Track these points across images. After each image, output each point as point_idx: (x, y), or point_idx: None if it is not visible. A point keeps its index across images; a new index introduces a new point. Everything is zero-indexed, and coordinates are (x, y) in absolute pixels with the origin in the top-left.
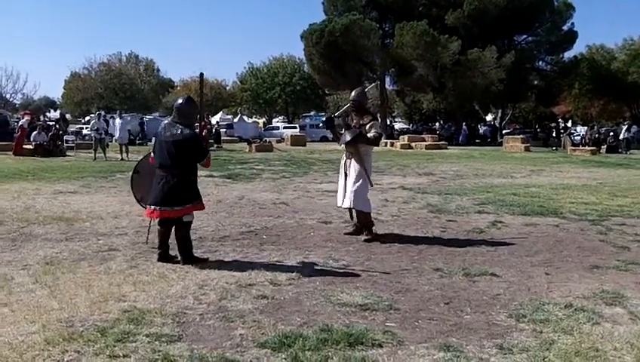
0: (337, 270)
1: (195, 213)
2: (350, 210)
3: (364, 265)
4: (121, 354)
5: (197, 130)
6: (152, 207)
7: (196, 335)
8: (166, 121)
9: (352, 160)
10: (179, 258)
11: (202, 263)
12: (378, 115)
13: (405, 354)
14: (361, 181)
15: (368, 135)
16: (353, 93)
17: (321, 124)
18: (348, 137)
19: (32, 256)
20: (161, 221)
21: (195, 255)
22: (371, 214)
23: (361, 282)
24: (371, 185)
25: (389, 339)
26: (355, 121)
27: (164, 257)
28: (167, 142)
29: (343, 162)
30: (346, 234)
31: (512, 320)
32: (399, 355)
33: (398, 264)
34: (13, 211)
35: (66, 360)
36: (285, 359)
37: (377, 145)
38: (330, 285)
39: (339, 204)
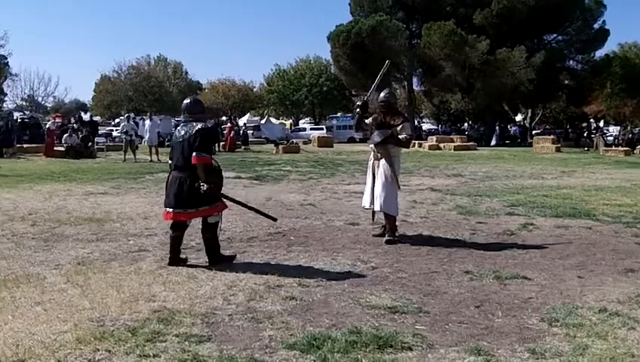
0: (366, 272)
1: (224, 213)
2: (373, 212)
3: (393, 267)
4: (151, 354)
5: (210, 125)
6: (167, 209)
7: (225, 336)
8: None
9: (381, 161)
10: (189, 261)
11: (229, 262)
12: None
13: (435, 357)
14: (390, 184)
15: (399, 136)
16: (382, 94)
17: (356, 108)
18: (378, 138)
19: (64, 256)
20: (173, 224)
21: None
22: (398, 217)
23: (390, 284)
24: (399, 188)
25: (419, 342)
26: (385, 122)
27: (175, 261)
28: (180, 142)
29: (370, 163)
30: (374, 236)
31: (544, 324)
32: (429, 359)
33: (428, 266)
34: (45, 212)
35: (97, 358)
36: (314, 361)
37: (408, 147)
38: (359, 287)
39: (364, 205)
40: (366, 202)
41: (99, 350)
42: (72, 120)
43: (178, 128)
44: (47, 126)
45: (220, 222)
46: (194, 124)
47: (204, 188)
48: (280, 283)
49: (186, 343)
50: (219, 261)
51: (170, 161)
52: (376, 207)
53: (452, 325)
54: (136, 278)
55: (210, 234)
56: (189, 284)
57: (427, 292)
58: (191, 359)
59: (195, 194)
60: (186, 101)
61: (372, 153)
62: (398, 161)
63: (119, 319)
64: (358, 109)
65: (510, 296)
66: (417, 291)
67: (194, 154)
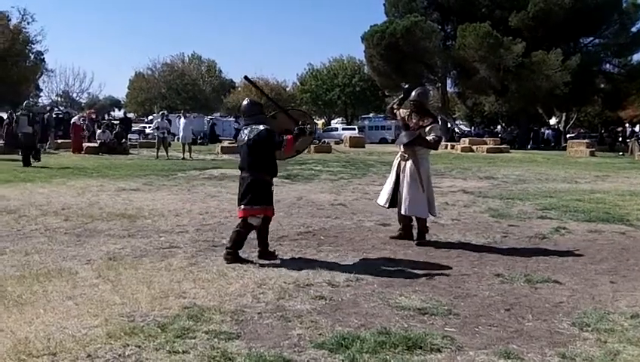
0: (396, 273)
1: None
2: (400, 214)
3: (423, 269)
4: (180, 350)
5: (269, 127)
6: (239, 206)
7: (254, 334)
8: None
9: (407, 163)
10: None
11: (272, 258)
12: (439, 117)
13: (464, 359)
14: (416, 186)
15: (427, 138)
16: (414, 93)
17: (404, 86)
18: (405, 139)
19: (96, 251)
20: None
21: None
22: (429, 219)
23: (420, 286)
24: (423, 191)
25: (448, 344)
26: (414, 122)
27: (234, 258)
28: (243, 145)
29: (396, 163)
30: (391, 237)
31: (575, 329)
32: (458, 361)
33: (458, 268)
34: (78, 207)
35: (127, 354)
36: (343, 360)
37: (436, 148)
38: (389, 288)
39: (379, 202)
40: (382, 200)
41: (129, 345)
42: (106, 116)
43: (241, 131)
44: (73, 121)
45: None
46: (253, 127)
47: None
48: (309, 282)
49: (215, 340)
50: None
51: None
52: (402, 211)
53: (482, 328)
54: (167, 274)
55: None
56: (219, 282)
57: (457, 295)
58: (220, 356)
59: (251, 192)
60: (244, 103)
61: (399, 153)
62: (425, 163)
63: (149, 315)
64: (405, 91)
65: (541, 299)
66: (447, 293)
67: (280, 149)
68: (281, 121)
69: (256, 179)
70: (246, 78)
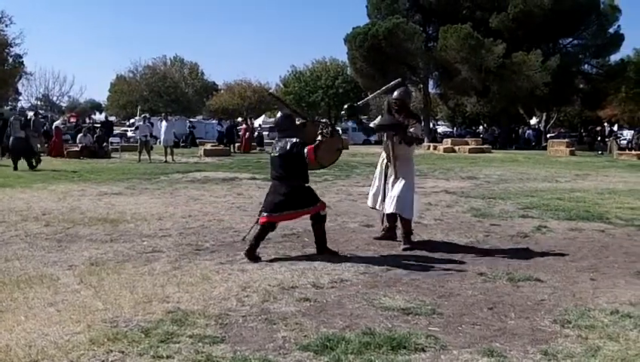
0: (380, 273)
1: (239, 215)
2: (383, 214)
3: (407, 269)
4: (164, 355)
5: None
6: (263, 214)
7: (239, 337)
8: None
9: (396, 166)
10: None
11: (334, 256)
12: (422, 117)
13: (448, 358)
14: (404, 184)
15: (409, 132)
16: (396, 93)
17: (342, 113)
18: (383, 122)
19: (78, 256)
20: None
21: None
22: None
23: (404, 286)
24: (411, 190)
25: (432, 344)
26: (400, 120)
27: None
28: (275, 157)
29: (380, 162)
30: (375, 238)
31: (556, 326)
32: (442, 360)
33: (441, 268)
34: (59, 212)
35: (110, 360)
36: None
37: (410, 144)
38: (373, 288)
39: (369, 204)
40: (371, 201)
41: (112, 351)
42: (88, 120)
43: (274, 142)
44: (55, 125)
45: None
46: (287, 140)
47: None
48: (294, 284)
49: (200, 344)
50: (324, 251)
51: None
52: (388, 209)
53: (465, 326)
54: (150, 279)
55: (319, 226)
56: (202, 285)
57: (441, 294)
58: (204, 360)
59: (292, 198)
60: (277, 116)
61: (383, 153)
62: (409, 163)
63: (133, 320)
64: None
65: (523, 297)
66: (431, 293)
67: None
68: (309, 130)
69: (297, 185)
70: (270, 94)
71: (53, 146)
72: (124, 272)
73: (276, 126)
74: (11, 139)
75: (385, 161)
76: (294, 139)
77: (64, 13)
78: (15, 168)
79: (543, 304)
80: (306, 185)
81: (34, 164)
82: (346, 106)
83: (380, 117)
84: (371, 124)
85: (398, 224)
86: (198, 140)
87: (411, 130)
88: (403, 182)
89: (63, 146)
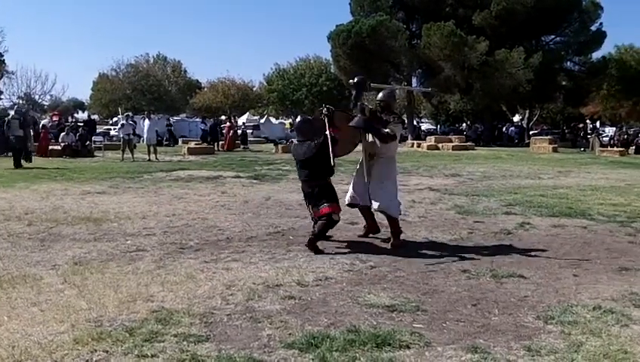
0: (364, 271)
1: (224, 213)
2: (365, 210)
3: (391, 266)
4: (149, 354)
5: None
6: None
7: (224, 336)
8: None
9: (378, 160)
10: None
11: (316, 251)
12: (404, 116)
13: (433, 355)
14: (388, 182)
15: (382, 130)
16: (381, 94)
17: (351, 82)
18: (360, 121)
19: (61, 256)
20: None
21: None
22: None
23: (388, 283)
24: (395, 189)
25: (417, 340)
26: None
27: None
28: (300, 161)
29: (362, 161)
30: (359, 236)
31: (540, 322)
32: (427, 357)
33: (425, 265)
34: (42, 211)
35: (94, 359)
36: (313, 360)
37: (386, 142)
38: (357, 286)
39: (348, 202)
40: (349, 198)
41: (96, 351)
42: (70, 119)
43: (295, 146)
44: (42, 124)
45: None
46: (308, 143)
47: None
48: (279, 282)
49: (185, 343)
50: (312, 247)
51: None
52: (374, 206)
53: (449, 323)
54: (134, 278)
55: (324, 223)
56: (187, 284)
57: (425, 291)
58: (189, 359)
59: (319, 196)
60: (297, 121)
61: (364, 151)
62: (391, 164)
63: (117, 319)
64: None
65: (507, 294)
66: (415, 290)
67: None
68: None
69: (324, 184)
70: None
71: (41, 145)
72: (107, 271)
73: (297, 130)
74: (10, 137)
75: (368, 160)
76: (314, 143)
77: (45, 11)
78: (16, 166)
79: (527, 300)
80: (329, 181)
81: (25, 162)
82: (356, 79)
83: (360, 117)
84: (351, 124)
85: (379, 219)
86: (180, 138)
87: (390, 127)
88: (386, 181)
89: (48, 145)
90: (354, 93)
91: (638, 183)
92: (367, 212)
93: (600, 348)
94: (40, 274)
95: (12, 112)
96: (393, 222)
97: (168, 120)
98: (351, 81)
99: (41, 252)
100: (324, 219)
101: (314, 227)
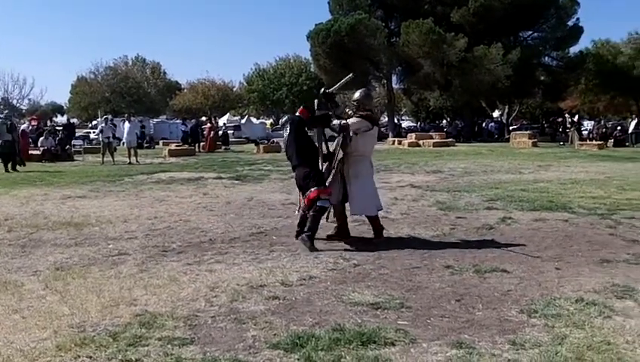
0: (348, 269)
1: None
2: (337, 212)
3: (375, 264)
4: (133, 359)
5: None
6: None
7: (208, 338)
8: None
9: (346, 164)
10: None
11: (309, 246)
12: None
13: (418, 351)
14: (359, 184)
15: (335, 121)
16: (356, 94)
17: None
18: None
19: (42, 261)
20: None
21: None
22: (380, 213)
23: (372, 281)
24: (372, 188)
25: (402, 337)
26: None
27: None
28: (286, 149)
29: (337, 162)
30: (328, 236)
31: (523, 316)
32: (412, 353)
33: (409, 262)
34: (22, 217)
35: None
36: (298, 359)
37: (337, 133)
38: (342, 284)
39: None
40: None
41: (80, 356)
42: (49, 123)
43: (284, 133)
44: (22, 128)
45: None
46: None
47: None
48: (263, 283)
49: (169, 346)
50: (310, 244)
51: None
52: (352, 211)
53: (434, 319)
54: (117, 282)
55: (313, 216)
56: (170, 287)
57: (409, 288)
58: None
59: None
60: (284, 119)
61: (338, 152)
62: (362, 164)
63: (100, 324)
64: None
65: (490, 289)
66: (399, 287)
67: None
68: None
69: (311, 170)
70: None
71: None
72: (90, 276)
73: (283, 126)
74: (1, 143)
75: (340, 160)
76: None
77: (22, 14)
78: (6, 170)
79: (510, 294)
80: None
81: (13, 167)
82: (322, 90)
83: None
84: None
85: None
86: (161, 140)
87: (350, 120)
88: (358, 180)
89: (28, 150)
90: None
91: (618, 176)
92: (339, 213)
93: (583, 340)
94: (21, 280)
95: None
96: (373, 220)
97: (141, 121)
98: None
99: (22, 258)
100: (313, 209)
101: (299, 226)
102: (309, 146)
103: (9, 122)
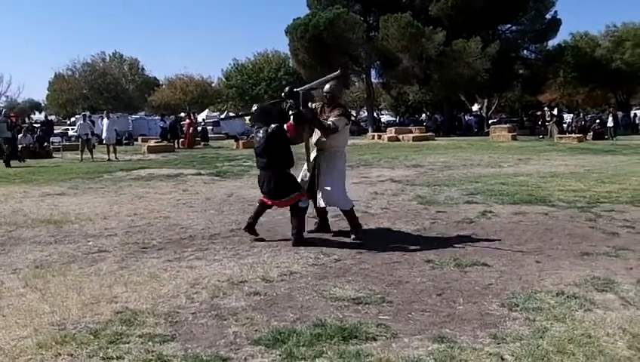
0: (329, 264)
1: (186, 211)
2: (317, 207)
3: (356, 259)
4: (114, 356)
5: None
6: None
7: (189, 335)
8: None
9: (323, 156)
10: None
11: (309, 245)
12: (365, 108)
13: (399, 346)
14: (333, 178)
15: (324, 121)
16: (327, 86)
17: (282, 94)
18: (306, 112)
19: (22, 259)
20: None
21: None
22: (358, 208)
23: (353, 276)
24: (341, 181)
25: (383, 332)
26: (326, 115)
27: (251, 227)
28: (258, 147)
29: (313, 157)
30: (309, 231)
31: (504, 310)
32: (393, 348)
33: (390, 256)
34: (0, 215)
35: None
36: (280, 355)
37: (326, 135)
38: (322, 280)
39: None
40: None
41: (61, 354)
42: (27, 120)
43: (255, 134)
44: None
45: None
46: (264, 128)
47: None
48: (243, 279)
49: (150, 343)
50: (300, 243)
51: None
52: (321, 203)
53: (415, 314)
54: (97, 280)
55: (297, 217)
56: (151, 284)
57: (390, 283)
58: (155, 359)
59: (279, 187)
60: (254, 109)
61: (314, 149)
62: (339, 158)
63: (81, 322)
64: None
65: (471, 283)
66: (380, 281)
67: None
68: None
69: (281, 173)
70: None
71: None
72: (70, 274)
73: (254, 120)
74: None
75: (315, 156)
76: (272, 126)
77: None
78: (7, 166)
79: (491, 288)
80: (289, 171)
81: (19, 161)
82: (286, 89)
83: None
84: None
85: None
86: (140, 136)
87: (332, 119)
88: (331, 174)
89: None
90: (293, 102)
91: (597, 169)
92: (319, 208)
93: (565, 333)
94: (1, 278)
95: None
96: (348, 215)
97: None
98: (283, 94)
99: (1, 256)
100: (296, 214)
101: (250, 218)
102: (286, 151)
103: (8, 120)
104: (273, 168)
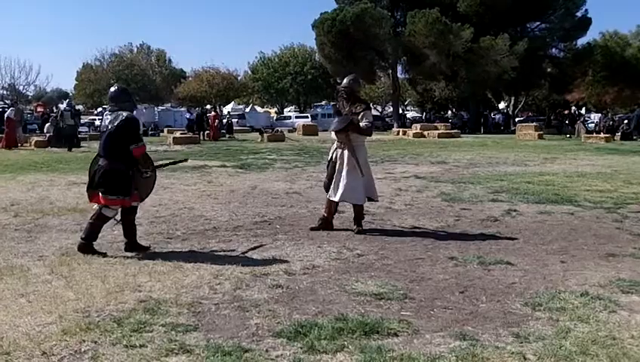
0: (352, 259)
1: (210, 203)
2: (329, 200)
3: (379, 254)
4: (137, 344)
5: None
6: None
7: (212, 325)
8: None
9: (344, 151)
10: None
11: (142, 251)
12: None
13: (421, 342)
14: (353, 173)
15: (360, 124)
16: (345, 80)
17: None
18: (338, 125)
19: (48, 247)
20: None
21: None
22: (382, 204)
23: (376, 271)
24: (362, 175)
25: (405, 328)
26: (347, 109)
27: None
28: (104, 132)
29: (332, 152)
30: (311, 228)
31: (527, 309)
32: (415, 344)
33: (413, 253)
34: (27, 203)
35: (83, 350)
36: (301, 348)
37: (370, 135)
38: (345, 274)
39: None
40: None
41: (85, 341)
42: (55, 109)
43: (104, 117)
44: (7, 115)
45: (115, 216)
46: (119, 113)
47: (148, 175)
48: (266, 271)
49: (173, 333)
50: (134, 247)
51: None
52: (336, 198)
53: (437, 310)
54: (122, 268)
55: (129, 219)
56: (174, 274)
57: (412, 279)
58: (178, 348)
59: (109, 182)
60: (111, 90)
61: (334, 142)
62: (362, 150)
63: (105, 310)
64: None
65: (494, 281)
66: (403, 277)
67: (132, 147)
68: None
69: (112, 168)
70: None
71: (7, 137)
72: (95, 262)
73: (110, 99)
74: (64, 126)
75: (336, 148)
76: (126, 113)
77: (28, 1)
78: (70, 150)
79: (514, 287)
80: (126, 170)
81: (77, 147)
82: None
83: (336, 119)
84: (330, 130)
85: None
86: (166, 128)
87: (364, 121)
88: (354, 169)
89: (14, 137)
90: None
91: (624, 169)
92: (334, 208)
93: (588, 334)
94: (27, 265)
95: (64, 105)
96: (358, 209)
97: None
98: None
99: (28, 243)
100: (98, 216)
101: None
102: (126, 147)
103: (72, 109)
104: (109, 159)
